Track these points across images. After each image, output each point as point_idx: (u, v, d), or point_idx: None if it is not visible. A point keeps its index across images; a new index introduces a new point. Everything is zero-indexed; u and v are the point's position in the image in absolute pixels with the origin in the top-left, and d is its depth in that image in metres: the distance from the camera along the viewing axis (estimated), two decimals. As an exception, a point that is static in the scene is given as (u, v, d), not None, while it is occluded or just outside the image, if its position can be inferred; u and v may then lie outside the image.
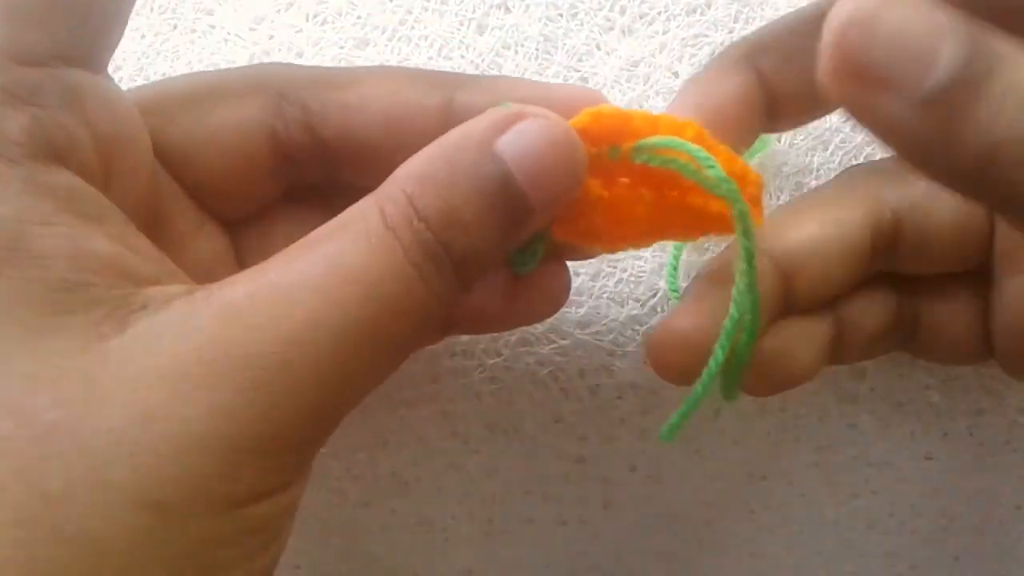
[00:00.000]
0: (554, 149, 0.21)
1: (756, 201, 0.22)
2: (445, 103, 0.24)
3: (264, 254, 0.24)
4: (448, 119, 0.23)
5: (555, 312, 0.25)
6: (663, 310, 0.28)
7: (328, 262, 0.19)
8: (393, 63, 0.31)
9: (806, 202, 0.26)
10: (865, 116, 0.17)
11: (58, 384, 0.18)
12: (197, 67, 0.31)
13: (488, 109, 0.22)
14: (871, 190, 0.25)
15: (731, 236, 0.22)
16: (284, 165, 0.25)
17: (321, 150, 0.25)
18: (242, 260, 0.26)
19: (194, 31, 0.31)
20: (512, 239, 0.21)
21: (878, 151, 0.29)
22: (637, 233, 0.23)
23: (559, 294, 0.25)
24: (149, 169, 0.23)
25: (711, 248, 0.28)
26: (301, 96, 0.24)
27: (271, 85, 0.24)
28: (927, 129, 0.16)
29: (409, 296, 0.19)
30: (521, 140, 0.20)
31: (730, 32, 0.31)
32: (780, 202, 0.29)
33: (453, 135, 0.21)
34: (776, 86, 0.24)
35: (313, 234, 0.20)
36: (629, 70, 0.30)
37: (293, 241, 0.23)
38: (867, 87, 0.16)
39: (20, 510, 0.17)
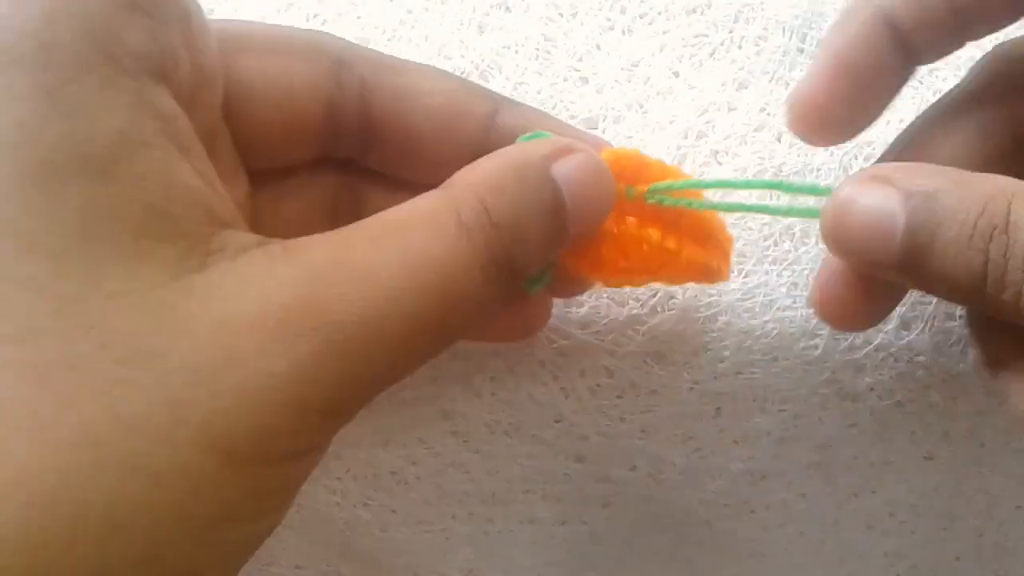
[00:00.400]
0: (596, 180, 0.23)
1: (726, 256, 0.26)
2: (490, 116, 0.25)
3: (276, 212, 0.25)
4: (489, 133, 0.25)
5: (527, 338, 0.27)
6: (663, 310, 0.28)
7: (412, 250, 0.20)
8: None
9: (938, 117, 0.26)
10: (860, 268, 0.24)
11: (144, 310, 0.18)
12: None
13: (522, 135, 0.24)
14: (1004, 99, 0.25)
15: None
16: (330, 132, 0.25)
17: (365, 128, 0.25)
18: (255, 212, 0.25)
19: (194, 31, 0.31)
20: (550, 258, 0.23)
21: (877, 149, 0.29)
22: (635, 271, 0.25)
23: (539, 320, 0.26)
24: (219, 106, 0.23)
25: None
26: (360, 69, 0.24)
27: (332, 51, 0.24)
28: (901, 274, 0.22)
29: (471, 295, 0.21)
30: (573, 169, 0.22)
31: (730, 32, 0.31)
32: (777, 202, 0.29)
33: (515, 152, 0.22)
34: (902, 19, 0.24)
35: (389, 217, 0.21)
36: (629, 70, 0.30)
37: (305, 206, 0.25)
38: (855, 260, 0.23)
39: (91, 430, 0.17)
